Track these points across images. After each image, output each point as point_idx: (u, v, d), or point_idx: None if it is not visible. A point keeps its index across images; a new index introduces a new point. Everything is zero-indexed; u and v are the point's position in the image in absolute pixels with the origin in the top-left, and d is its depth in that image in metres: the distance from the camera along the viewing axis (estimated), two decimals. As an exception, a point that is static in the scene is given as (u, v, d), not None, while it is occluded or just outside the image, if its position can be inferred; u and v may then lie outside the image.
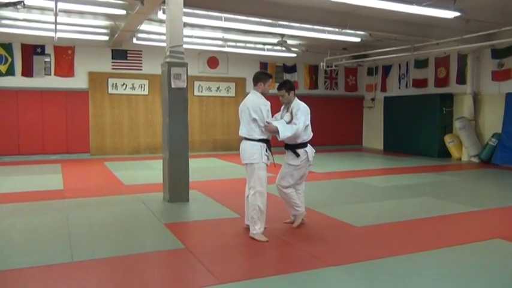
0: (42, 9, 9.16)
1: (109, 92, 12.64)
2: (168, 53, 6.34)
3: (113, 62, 12.64)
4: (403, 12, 7.92)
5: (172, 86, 6.22)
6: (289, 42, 12.92)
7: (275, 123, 4.53)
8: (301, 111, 4.69)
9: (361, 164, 11.49)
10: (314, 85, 15.46)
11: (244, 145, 4.54)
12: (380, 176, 9.35)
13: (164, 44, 6.65)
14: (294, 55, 13.98)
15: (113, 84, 12.66)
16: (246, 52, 13.28)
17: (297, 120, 4.62)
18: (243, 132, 4.55)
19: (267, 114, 4.48)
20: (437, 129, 12.48)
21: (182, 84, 6.28)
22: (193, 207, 6.10)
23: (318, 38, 10.88)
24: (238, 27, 9.97)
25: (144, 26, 10.42)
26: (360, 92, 16.33)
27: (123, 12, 8.92)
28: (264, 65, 14.43)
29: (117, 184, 7.92)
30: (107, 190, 7.29)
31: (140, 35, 11.37)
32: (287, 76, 14.69)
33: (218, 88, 14.07)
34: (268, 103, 4.55)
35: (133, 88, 12.91)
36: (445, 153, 12.31)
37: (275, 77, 13.83)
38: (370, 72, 15.85)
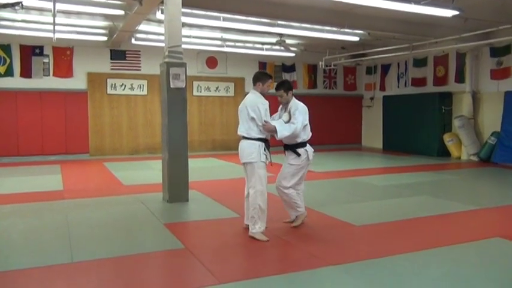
0: (40, 10, 9.15)
1: (108, 92, 12.63)
2: (166, 53, 6.34)
3: (111, 63, 12.63)
4: (402, 11, 7.93)
5: (171, 86, 6.23)
6: (288, 41, 12.92)
7: (273, 123, 4.55)
8: (299, 110, 4.69)
9: (360, 163, 11.49)
10: (313, 84, 15.46)
11: (243, 144, 4.56)
12: (379, 175, 9.35)
13: (163, 44, 6.65)
14: (293, 55, 13.99)
15: (111, 84, 12.65)
16: (244, 52, 13.29)
17: (295, 120, 4.63)
18: (241, 131, 4.57)
19: (265, 113, 4.49)
20: (437, 128, 12.48)
21: (181, 84, 6.28)
22: (193, 207, 6.11)
23: (317, 37, 10.90)
24: (237, 27, 9.97)
25: (142, 27, 10.43)
26: (359, 91, 16.33)
27: (121, 12, 8.92)
28: (262, 64, 14.42)
29: (116, 184, 7.92)
30: (106, 190, 7.29)
31: (139, 36, 11.38)
32: (286, 76, 14.69)
33: (217, 88, 14.06)
34: (267, 102, 4.56)
35: (132, 88, 12.90)
36: (444, 152, 12.31)
37: (274, 77, 13.80)
38: (369, 71, 15.85)
